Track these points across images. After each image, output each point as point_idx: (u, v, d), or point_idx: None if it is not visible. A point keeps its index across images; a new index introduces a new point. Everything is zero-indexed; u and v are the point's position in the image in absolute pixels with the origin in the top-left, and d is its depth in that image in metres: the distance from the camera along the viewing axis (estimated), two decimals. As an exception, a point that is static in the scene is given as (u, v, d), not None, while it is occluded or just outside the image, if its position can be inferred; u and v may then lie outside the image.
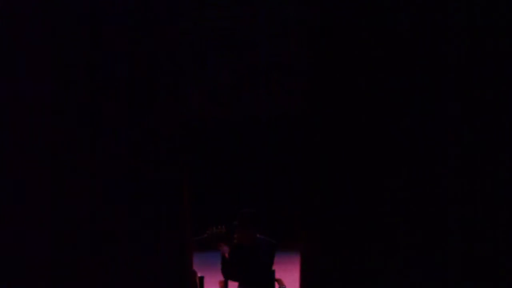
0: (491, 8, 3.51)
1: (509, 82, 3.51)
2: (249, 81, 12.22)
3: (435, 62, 3.57)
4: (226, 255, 4.93)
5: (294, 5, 11.71)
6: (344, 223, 3.59)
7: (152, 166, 3.77)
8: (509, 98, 3.52)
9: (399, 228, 3.58)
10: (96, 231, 3.73)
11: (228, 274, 4.98)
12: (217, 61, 12.11)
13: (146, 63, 3.77)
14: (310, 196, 3.73)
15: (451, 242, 3.57)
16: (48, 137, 3.74)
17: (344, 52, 3.62)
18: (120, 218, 3.74)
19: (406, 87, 3.58)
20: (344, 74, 3.61)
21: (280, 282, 5.17)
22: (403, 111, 3.57)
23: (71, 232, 3.72)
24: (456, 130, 3.56)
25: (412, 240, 3.58)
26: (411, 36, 3.59)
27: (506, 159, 3.53)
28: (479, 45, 3.51)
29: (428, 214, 3.57)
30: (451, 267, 3.56)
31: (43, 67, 3.75)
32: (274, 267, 5.02)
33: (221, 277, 5.14)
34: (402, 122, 3.58)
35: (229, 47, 12.11)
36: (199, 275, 5.57)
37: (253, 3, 11.85)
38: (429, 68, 3.57)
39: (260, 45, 12.10)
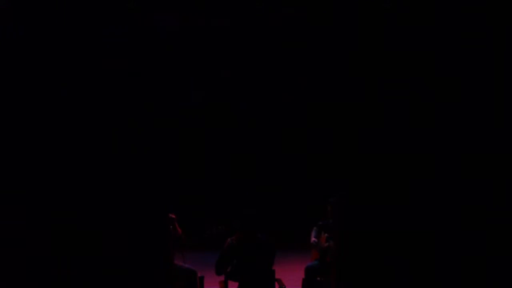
0: None
1: None
2: (249, 80, 12.21)
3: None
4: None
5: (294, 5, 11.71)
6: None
7: (132, 168, 3.80)
8: None
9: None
10: (77, 231, 3.76)
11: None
12: (217, 60, 12.10)
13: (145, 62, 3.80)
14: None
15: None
16: (37, 139, 3.76)
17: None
18: (101, 218, 3.76)
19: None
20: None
21: (280, 282, 5.18)
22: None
23: (57, 231, 3.75)
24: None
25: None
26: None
27: None
28: None
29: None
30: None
31: (30, 64, 3.76)
32: (274, 267, 5.03)
33: (221, 277, 5.14)
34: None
35: (229, 45, 12.10)
36: (199, 275, 5.58)
37: (253, 3, 11.85)
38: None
39: (260, 43, 12.10)
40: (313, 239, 5.84)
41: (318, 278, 5.75)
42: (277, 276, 5.14)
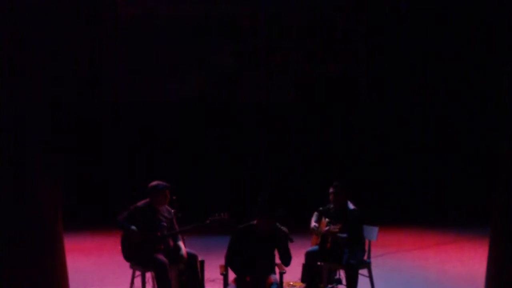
0: None
1: None
2: (249, 65, 12.20)
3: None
4: None
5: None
6: None
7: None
8: None
9: None
10: None
11: (231, 260, 4.97)
12: (219, 45, 12.07)
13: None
14: None
15: None
16: None
17: None
18: None
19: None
20: None
21: (280, 266, 5.21)
22: None
23: None
24: None
25: None
26: None
27: None
28: None
29: None
30: None
31: None
32: (274, 252, 5.05)
33: (221, 261, 5.16)
34: None
35: (230, 31, 12.08)
36: (200, 259, 5.60)
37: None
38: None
39: (261, 30, 12.08)
40: (313, 224, 5.86)
41: (318, 263, 5.78)
42: (277, 261, 5.17)
